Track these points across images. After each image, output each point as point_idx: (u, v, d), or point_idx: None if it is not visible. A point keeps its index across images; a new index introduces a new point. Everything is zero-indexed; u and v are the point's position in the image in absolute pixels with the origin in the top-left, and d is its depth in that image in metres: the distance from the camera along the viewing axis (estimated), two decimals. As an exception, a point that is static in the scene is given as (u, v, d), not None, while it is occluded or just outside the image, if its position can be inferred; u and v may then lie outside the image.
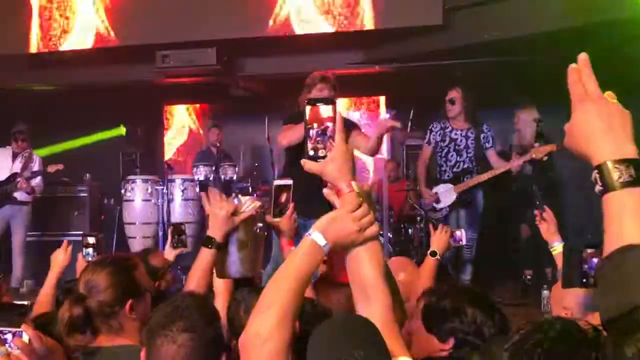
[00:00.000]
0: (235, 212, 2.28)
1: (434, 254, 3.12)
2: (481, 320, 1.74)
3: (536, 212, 2.93)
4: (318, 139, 1.52)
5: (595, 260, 2.29)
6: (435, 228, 3.32)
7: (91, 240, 3.26)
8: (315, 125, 1.52)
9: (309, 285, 1.51)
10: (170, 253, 3.40)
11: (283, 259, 2.28)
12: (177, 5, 6.97)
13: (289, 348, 1.38)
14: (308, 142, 1.52)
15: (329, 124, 1.52)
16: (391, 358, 1.34)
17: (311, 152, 1.51)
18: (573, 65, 1.21)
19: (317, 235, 1.45)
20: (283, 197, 2.44)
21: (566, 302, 2.47)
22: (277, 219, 2.44)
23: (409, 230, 6.83)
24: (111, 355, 1.97)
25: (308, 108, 1.52)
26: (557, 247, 2.83)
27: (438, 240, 3.22)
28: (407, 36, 6.61)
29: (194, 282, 2.30)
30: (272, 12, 6.74)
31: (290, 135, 4.35)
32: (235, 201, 2.35)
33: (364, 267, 1.49)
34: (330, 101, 1.53)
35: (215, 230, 2.27)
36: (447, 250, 3.34)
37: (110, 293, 2.01)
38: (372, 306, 1.45)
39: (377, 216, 6.61)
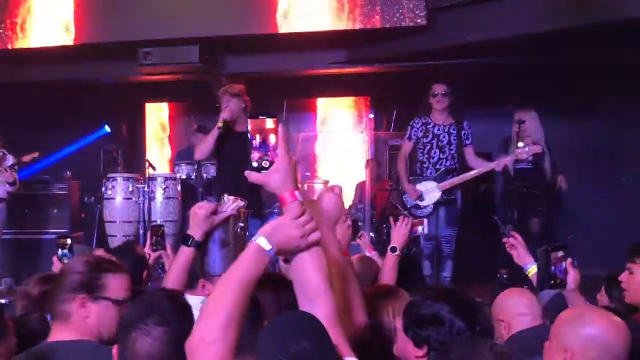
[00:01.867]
0: (215, 212, 2.31)
1: (393, 249, 3.06)
2: (458, 329, 1.70)
3: (505, 240, 2.91)
4: (261, 150, 1.56)
5: (563, 264, 2.36)
6: (396, 221, 3.24)
7: (68, 241, 3.22)
8: (257, 137, 1.56)
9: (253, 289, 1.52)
10: (150, 255, 3.39)
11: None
12: (160, 1, 6.93)
13: (234, 352, 1.42)
14: (251, 153, 1.56)
15: (271, 136, 1.56)
16: (335, 349, 1.40)
17: (254, 164, 1.55)
18: None
19: (262, 240, 1.49)
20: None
21: (501, 315, 2.57)
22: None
23: (391, 229, 6.83)
24: (57, 351, 1.96)
25: (250, 121, 1.57)
26: (531, 269, 2.88)
27: (397, 234, 3.17)
28: (390, 36, 6.62)
29: (171, 279, 2.34)
30: (256, 9, 6.72)
31: (202, 149, 5.02)
32: (228, 202, 2.38)
33: (308, 273, 1.54)
34: (272, 114, 1.58)
35: (195, 229, 2.31)
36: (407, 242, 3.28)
37: (72, 278, 2.03)
38: (316, 310, 1.49)
39: (360, 216, 6.64)
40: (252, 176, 1.57)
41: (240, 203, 2.38)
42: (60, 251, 3.25)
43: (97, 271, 2.05)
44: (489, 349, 1.32)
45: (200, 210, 2.31)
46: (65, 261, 3.20)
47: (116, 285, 2.08)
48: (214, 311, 1.42)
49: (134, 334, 1.66)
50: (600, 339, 1.76)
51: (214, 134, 4.99)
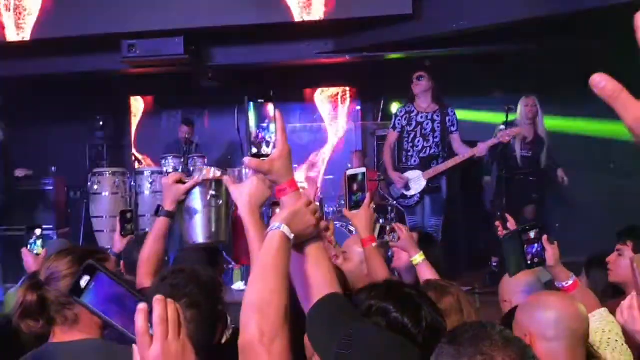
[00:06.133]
0: (181, 181, 2.41)
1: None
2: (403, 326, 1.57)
3: (497, 223, 2.91)
4: (261, 137, 1.50)
5: (535, 246, 2.38)
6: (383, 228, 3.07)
7: (37, 231, 3.15)
8: (257, 124, 1.50)
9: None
10: (119, 242, 3.34)
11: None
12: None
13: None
14: (250, 140, 1.50)
15: (270, 122, 1.50)
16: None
17: (255, 150, 1.50)
18: None
19: (285, 228, 1.45)
20: (355, 187, 2.32)
21: (505, 296, 2.70)
22: (355, 211, 2.36)
23: (380, 220, 6.83)
24: (62, 353, 1.88)
25: (248, 106, 1.50)
26: None
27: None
28: (377, 26, 6.58)
29: (145, 248, 2.45)
30: (242, 0, 6.65)
31: None
32: (197, 172, 2.47)
33: (320, 263, 1.53)
34: (270, 98, 1.51)
35: (165, 199, 2.44)
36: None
37: (68, 282, 1.90)
38: None
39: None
40: (252, 163, 1.50)
41: (214, 173, 2.42)
42: (32, 242, 3.15)
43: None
44: (498, 332, 1.32)
45: (167, 179, 2.44)
46: (35, 252, 3.12)
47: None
48: (269, 303, 1.36)
49: None
50: (555, 318, 1.84)
51: None
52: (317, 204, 1.52)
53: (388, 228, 3.00)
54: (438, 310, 1.62)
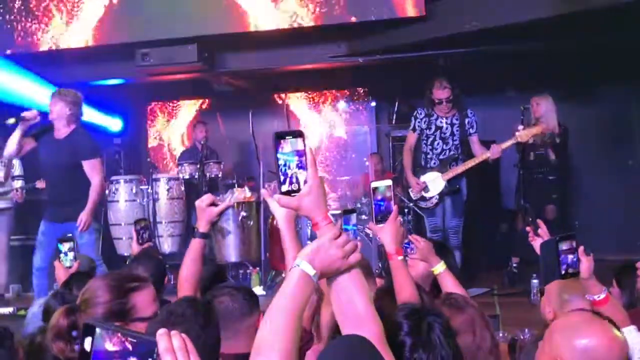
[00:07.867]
0: (214, 203, 2.53)
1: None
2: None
3: (528, 228, 2.87)
4: (290, 172, 1.48)
5: (570, 256, 2.32)
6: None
7: (68, 245, 3.20)
8: (286, 158, 1.47)
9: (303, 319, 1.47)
10: (136, 250, 3.39)
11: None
12: (156, 2, 6.88)
13: None
14: (280, 176, 1.48)
15: (299, 156, 1.48)
16: None
17: (284, 187, 1.48)
18: None
19: (305, 265, 1.43)
20: (380, 199, 2.26)
21: (548, 304, 2.57)
22: (381, 225, 2.28)
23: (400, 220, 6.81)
24: None
25: (277, 142, 1.47)
26: None
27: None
28: (390, 28, 6.57)
29: (183, 269, 2.55)
30: (254, 5, 6.67)
31: (8, 146, 5.04)
32: (229, 194, 2.53)
33: (353, 297, 1.48)
34: (299, 134, 1.48)
35: (199, 221, 2.54)
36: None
37: (100, 309, 1.99)
38: (363, 333, 1.42)
39: (365, 210, 6.60)
40: (282, 200, 1.50)
41: (243, 194, 2.48)
42: (62, 255, 3.22)
43: (123, 295, 2.02)
44: None
45: (200, 202, 2.54)
46: (67, 265, 3.19)
47: (143, 301, 2.06)
48: (270, 347, 1.33)
49: None
50: (594, 352, 1.70)
51: (15, 132, 4.94)
52: (352, 235, 1.46)
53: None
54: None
